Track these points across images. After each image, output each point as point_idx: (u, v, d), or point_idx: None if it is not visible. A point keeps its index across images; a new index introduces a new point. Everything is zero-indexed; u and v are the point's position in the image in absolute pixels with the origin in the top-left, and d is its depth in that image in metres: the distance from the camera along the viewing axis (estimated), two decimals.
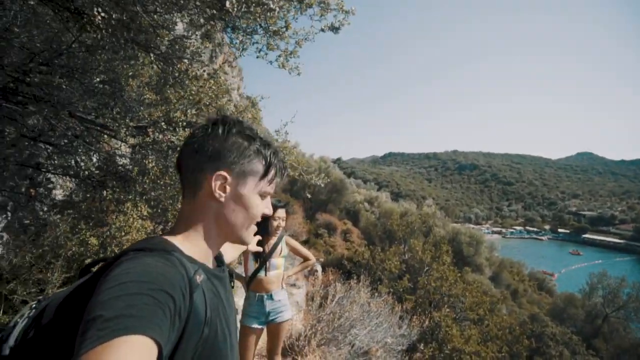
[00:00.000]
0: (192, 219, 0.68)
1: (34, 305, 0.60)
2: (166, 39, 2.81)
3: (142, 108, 3.00)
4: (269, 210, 0.76)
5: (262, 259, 2.15)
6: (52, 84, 2.02)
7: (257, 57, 2.24)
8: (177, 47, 2.73)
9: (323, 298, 4.01)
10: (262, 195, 0.73)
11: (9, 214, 2.58)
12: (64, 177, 3.10)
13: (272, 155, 0.73)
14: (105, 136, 2.66)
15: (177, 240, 0.65)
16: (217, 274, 0.70)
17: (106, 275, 0.51)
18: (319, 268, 16.34)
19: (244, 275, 2.24)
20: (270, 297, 2.17)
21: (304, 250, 2.43)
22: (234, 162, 0.67)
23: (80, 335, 0.42)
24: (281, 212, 2.20)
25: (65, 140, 2.77)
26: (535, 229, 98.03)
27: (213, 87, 2.48)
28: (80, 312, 0.49)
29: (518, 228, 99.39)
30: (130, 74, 2.89)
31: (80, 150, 2.99)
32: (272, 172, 0.73)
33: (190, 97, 2.65)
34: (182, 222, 0.68)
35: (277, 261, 2.22)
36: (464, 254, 20.53)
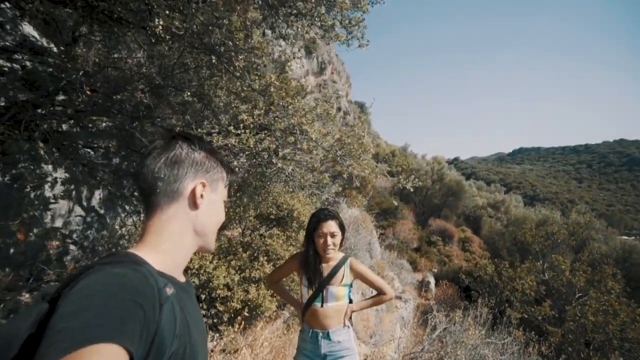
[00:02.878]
0: (166, 230, 0.68)
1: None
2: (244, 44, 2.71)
3: (226, 117, 3.07)
4: (223, 216, 0.80)
5: (318, 285, 1.71)
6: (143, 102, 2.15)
7: (322, 38, 1.88)
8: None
9: (421, 325, 3.28)
10: (225, 202, 0.80)
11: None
12: None
13: (227, 163, 0.79)
14: None
15: (145, 254, 0.64)
16: (185, 288, 0.69)
17: (71, 288, 0.50)
18: (431, 280, 14.75)
19: (301, 300, 1.84)
20: (327, 336, 1.70)
21: (376, 279, 1.80)
22: (208, 170, 0.73)
23: (43, 348, 0.41)
24: (327, 226, 1.69)
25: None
26: None
27: (276, 82, 2.25)
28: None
29: None
30: (212, 83, 2.98)
31: None
32: (230, 179, 0.81)
33: (263, 99, 2.49)
34: (152, 235, 0.67)
35: (337, 290, 1.71)
36: None
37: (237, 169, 2.30)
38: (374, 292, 1.88)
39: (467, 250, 18.90)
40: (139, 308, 0.48)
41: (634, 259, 15.39)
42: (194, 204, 0.70)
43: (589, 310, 9.28)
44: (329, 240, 1.69)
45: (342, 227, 1.74)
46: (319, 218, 1.72)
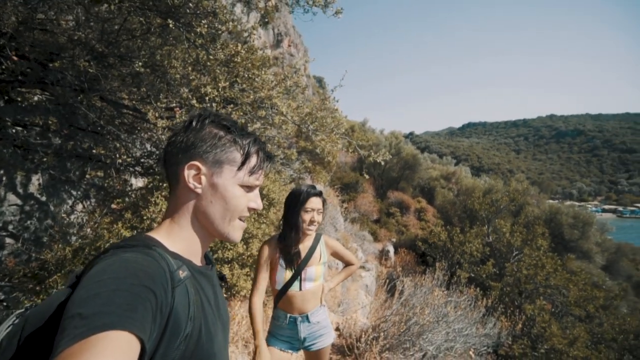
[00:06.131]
0: (175, 214, 0.67)
1: (21, 312, 0.58)
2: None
3: (185, 89, 2.81)
4: (256, 205, 0.71)
5: (297, 267, 1.64)
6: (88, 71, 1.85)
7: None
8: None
9: (389, 291, 3.51)
10: (246, 187, 0.70)
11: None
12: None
13: (252, 144, 0.69)
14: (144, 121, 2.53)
15: (160, 237, 0.64)
16: (203, 272, 0.68)
17: (86, 274, 0.50)
18: (391, 249, 15.66)
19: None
20: (306, 319, 1.66)
21: (347, 253, 1.85)
22: (207, 151, 0.66)
23: (58, 334, 0.42)
24: (315, 202, 1.65)
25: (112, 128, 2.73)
26: None
27: (242, 53, 2.08)
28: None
29: None
30: (165, 52, 2.68)
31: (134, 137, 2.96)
32: (253, 161, 0.69)
33: (225, 69, 2.31)
34: (167, 218, 0.68)
35: (316, 270, 1.68)
36: (566, 237, 17.44)
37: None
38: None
39: (422, 220, 20.18)
40: (150, 293, 0.48)
41: (558, 220, 17.75)
42: (188, 189, 0.66)
43: (523, 265, 10.62)
44: (316, 216, 1.65)
45: (324, 204, 1.72)
46: (308, 193, 1.65)
